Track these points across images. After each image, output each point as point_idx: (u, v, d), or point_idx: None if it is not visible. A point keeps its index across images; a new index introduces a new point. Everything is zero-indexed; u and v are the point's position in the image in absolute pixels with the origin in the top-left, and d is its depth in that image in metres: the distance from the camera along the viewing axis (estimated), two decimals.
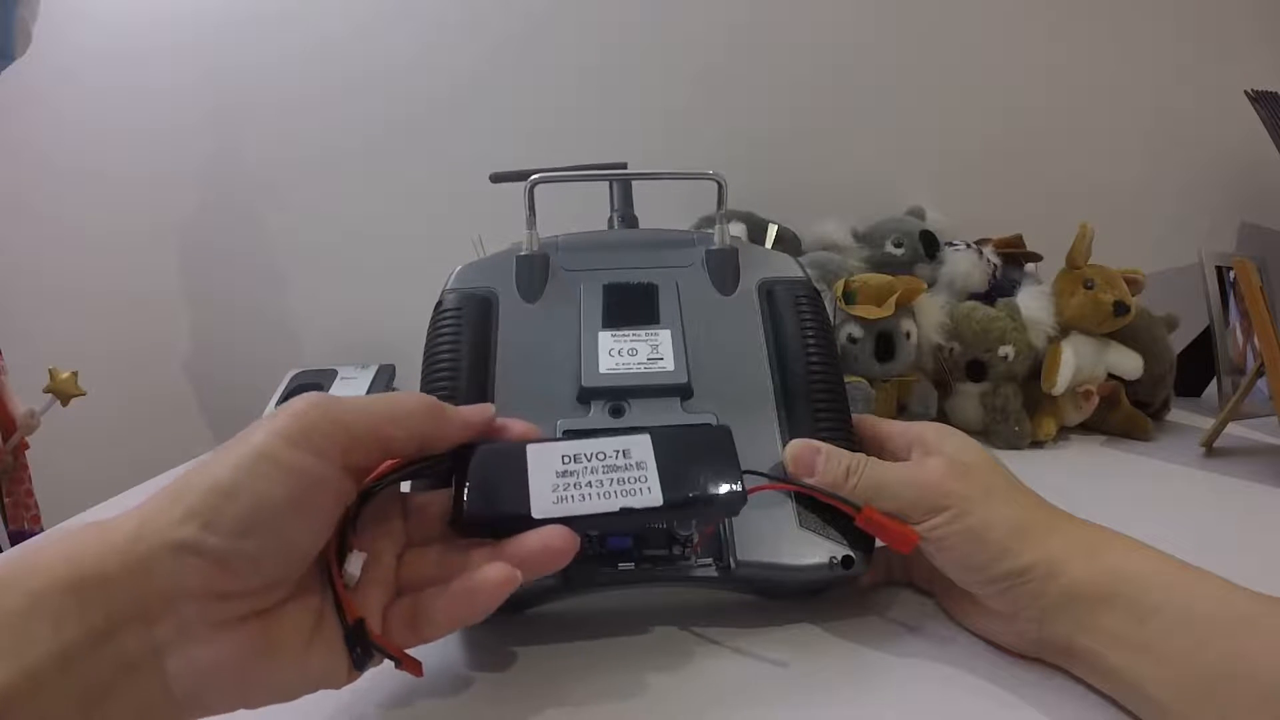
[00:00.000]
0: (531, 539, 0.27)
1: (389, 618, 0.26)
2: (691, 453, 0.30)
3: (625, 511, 0.28)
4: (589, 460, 0.29)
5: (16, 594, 0.20)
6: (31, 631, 0.19)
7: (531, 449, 0.30)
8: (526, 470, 0.29)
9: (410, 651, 0.26)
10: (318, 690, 0.25)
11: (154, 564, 0.21)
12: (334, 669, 0.25)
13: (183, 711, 0.22)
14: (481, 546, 0.27)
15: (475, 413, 0.30)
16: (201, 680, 0.22)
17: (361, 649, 0.25)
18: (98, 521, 0.22)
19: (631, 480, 0.29)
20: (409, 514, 0.29)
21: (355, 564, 0.26)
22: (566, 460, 0.29)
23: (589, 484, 0.29)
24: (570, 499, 0.28)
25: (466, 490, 0.28)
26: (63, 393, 0.74)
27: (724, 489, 0.29)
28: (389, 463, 0.28)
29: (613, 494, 0.28)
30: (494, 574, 0.26)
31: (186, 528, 0.22)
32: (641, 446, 0.30)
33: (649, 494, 0.29)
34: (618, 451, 0.30)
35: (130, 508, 0.23)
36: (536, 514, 0.27)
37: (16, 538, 0.74)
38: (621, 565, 0.33)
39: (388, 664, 0.26)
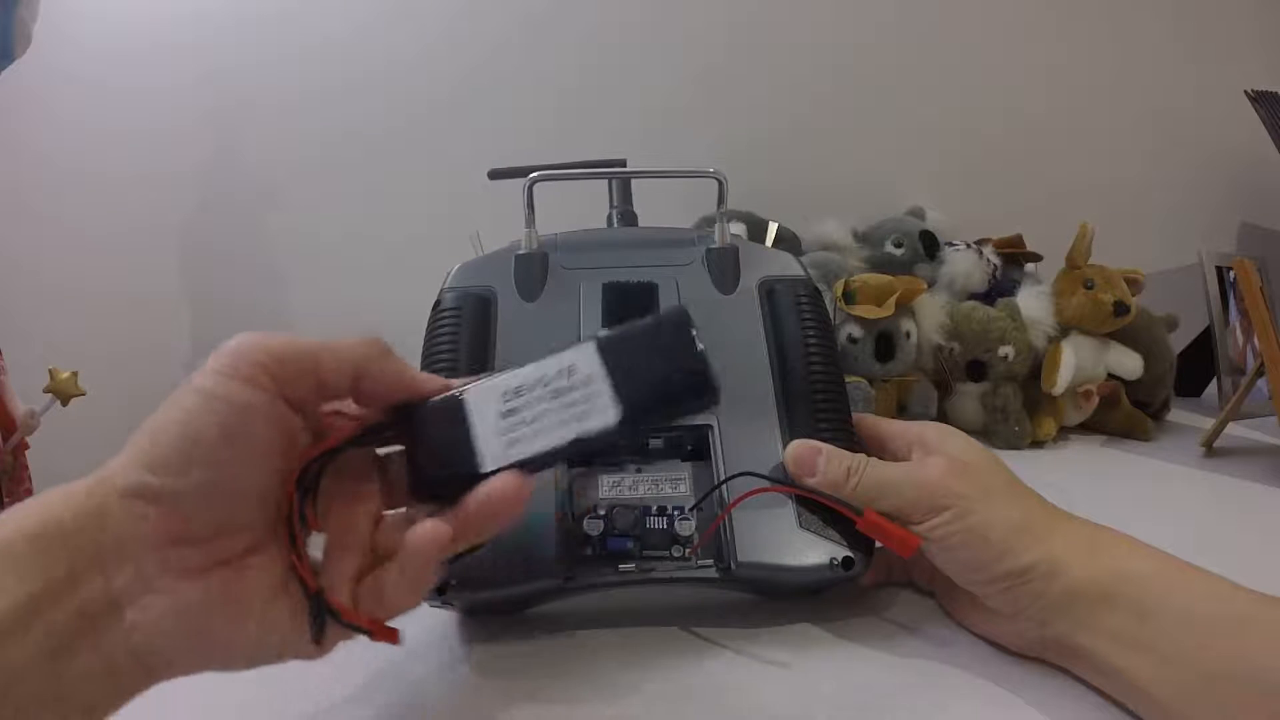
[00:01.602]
0: (475, 494, 0.25)
1: (361, 590, 0.25)
2: (646, 351, 0.27)
3: (579, 440, 0.26)
4: (532, 390, 0.26)
5: None
6: None
7: (470, 394, 0.27)
8: (468, 421, 0.26)
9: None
10: (285, 659, 0.24)
11: (107, 512, 0.21)
12: (299, 632, 0.24)
13: (144, 665, 0.22)
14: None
15: (428, 379, 0.28)
16: (159, 631, 0.21)
17: (318, 618, 0.24)
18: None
19: (581, 401, 0.26)
20: (387, 478, 0.28)
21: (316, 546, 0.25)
22: (508, 397, 0.26)
23: (536, 418, 0.26)
24: (521, 439, 0.26)
25: (415, 454, 0.26)
26: (63, 393, 0.74)
27: (687, 382, 0.26)
28: (344, 426, 0.27)
29: (564, 421, 0.26)
30: (421, 532, 0.24)
31: (132, 473, 0.22)
32: (587, 358, 0.27)
33: (603, 413, 0.26)
34: (561, 371, 0.27)
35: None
36: (488, 466, 0.25)
37: None
38: (622, 566, 0.33)
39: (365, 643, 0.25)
